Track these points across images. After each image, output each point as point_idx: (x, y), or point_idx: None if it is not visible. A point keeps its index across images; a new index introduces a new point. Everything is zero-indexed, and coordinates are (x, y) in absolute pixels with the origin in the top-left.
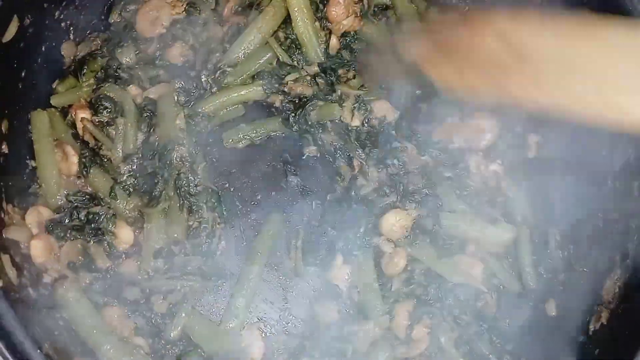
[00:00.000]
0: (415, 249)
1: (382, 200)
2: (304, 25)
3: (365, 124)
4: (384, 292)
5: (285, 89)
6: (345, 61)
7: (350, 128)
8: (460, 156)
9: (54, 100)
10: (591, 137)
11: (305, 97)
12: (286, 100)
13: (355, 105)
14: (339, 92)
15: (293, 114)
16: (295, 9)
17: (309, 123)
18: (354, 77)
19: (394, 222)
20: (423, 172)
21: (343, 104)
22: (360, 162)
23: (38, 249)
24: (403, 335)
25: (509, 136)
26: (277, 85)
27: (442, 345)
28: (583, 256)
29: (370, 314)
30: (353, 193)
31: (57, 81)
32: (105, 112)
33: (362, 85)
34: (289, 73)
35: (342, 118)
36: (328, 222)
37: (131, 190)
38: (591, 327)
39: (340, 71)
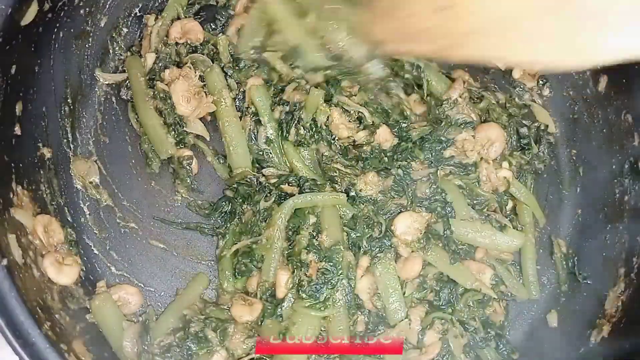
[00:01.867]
0: (429, 253)
1: (392, 201)
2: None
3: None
4: None
5: (284, 97)
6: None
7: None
8: (472, 167)
9: None
10: (600, 148)
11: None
12: (285, 110)
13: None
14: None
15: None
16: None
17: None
18: (357, 93)
19: (409, 224)
20: (432, 181)
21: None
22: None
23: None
24: (415, 341)
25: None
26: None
27: (452, 350)
28: (587, 268)
29: (391, 319)
30: (353, 193)
31: None
32: None
33: (365, 103)
34: (289, 82)
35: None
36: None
37: None
38: (592, 340)
39: (344, 83)
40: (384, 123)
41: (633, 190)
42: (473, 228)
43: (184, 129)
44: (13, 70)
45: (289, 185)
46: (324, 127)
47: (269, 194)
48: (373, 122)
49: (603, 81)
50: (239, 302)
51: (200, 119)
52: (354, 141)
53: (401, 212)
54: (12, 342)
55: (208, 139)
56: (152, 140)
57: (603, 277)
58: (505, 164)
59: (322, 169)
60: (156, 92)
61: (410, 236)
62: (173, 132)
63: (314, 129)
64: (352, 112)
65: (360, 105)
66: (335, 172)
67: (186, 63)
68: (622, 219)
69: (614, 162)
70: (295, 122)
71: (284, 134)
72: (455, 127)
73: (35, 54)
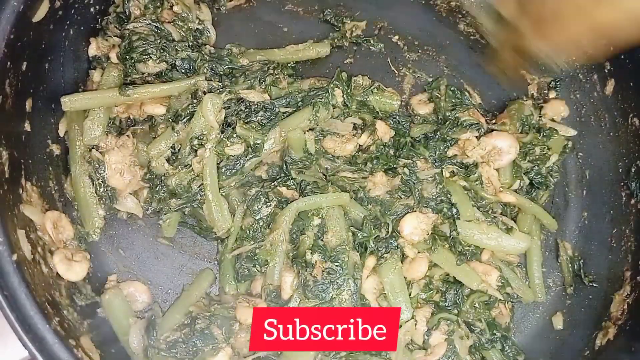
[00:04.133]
0: (435, 254)
1: (399, 202)
2: None
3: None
4: None
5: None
6: None
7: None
8: (473, 167)
9: None
10: (607, 151)
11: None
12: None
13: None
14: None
15: None
16: None
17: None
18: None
19: (416, 224)
20: (438, 181)
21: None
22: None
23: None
24: (420, 341)
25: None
26: None
27: (457, 351)
28: (593, 271)
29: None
30: (362, 195)
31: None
32: None
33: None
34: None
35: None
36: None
37: None
38: (597, 342)
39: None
40: (376, 118)
41: (639, 193)
42: (479, 230)
43: (114, 205)
44: (24, 67)
45: (287, 189)
46: (321, 149)
47: (267, 200)
48: (365, 121)
49: (610, 84)
50: (243, 305)
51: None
52: (360, 146)
53: (408, 212)
54: (22, 337)
55: (141, 216)
56: (81, 210)
57: (609, 279)
58: (516, 184)
59: (329, 180)
60: (91, 160)
61: (417, 237)
62: (103, 205)
63: (310, 158)
64: (341, 131)
65: (347, 116)
66: (344, 180)
67: (125, 132)
68: (629, 222)
69: (621, 166)
70: (290, 164)
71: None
72: (461, 128)
73: (46, 50)
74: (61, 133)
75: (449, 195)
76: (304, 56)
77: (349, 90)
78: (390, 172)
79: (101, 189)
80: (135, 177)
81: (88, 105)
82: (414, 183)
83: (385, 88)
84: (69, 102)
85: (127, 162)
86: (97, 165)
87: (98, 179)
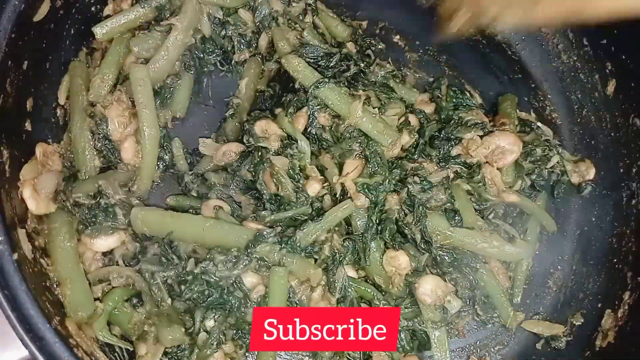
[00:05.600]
0: None
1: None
2: None
3: None
4: None
5: None
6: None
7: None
8: (477, 168)
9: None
10: (608, 152)
11: None
12: None
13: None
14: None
15: None
16: None
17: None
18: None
19: (433, 288)
20: (446, 186)
21: None
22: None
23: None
24: None
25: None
26: None
27: None
28: (594, 272)
29: None
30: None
31: None
32: None
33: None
34: None
35: None
36: None
37: None
38: (597, 344)
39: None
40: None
41: None
42: (482, 238)
43: (117, 158)
44: (25, 66)
45: None
46: None
47: None
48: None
49: (612, 85)
50: None
51: None
52: (402, 147)
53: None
54: (22, 336)
55: (137, 165)
56: (78, 163)
57: (610, 280)
58: (518, 184)
59: None
60: (93, 114)
61: (433, 300)
62: (102, 158)
63: None
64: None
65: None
66: None
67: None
68: (629, 223)
69: (622, 166)
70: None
71: None
72: (465, 127)
73: (47, 49)
74: (61, 101)
75: (452, 201)
76: (325, 22)
77: (370, 63)
78: (399, 184)
79: (99, 144)
80: (134, 127)
81: (120, 27)
82: (422, 190)
83: (405, 80)
84: (100, 30)
85: (127, 114)
86: (99, 121)
87: (99, 133)
